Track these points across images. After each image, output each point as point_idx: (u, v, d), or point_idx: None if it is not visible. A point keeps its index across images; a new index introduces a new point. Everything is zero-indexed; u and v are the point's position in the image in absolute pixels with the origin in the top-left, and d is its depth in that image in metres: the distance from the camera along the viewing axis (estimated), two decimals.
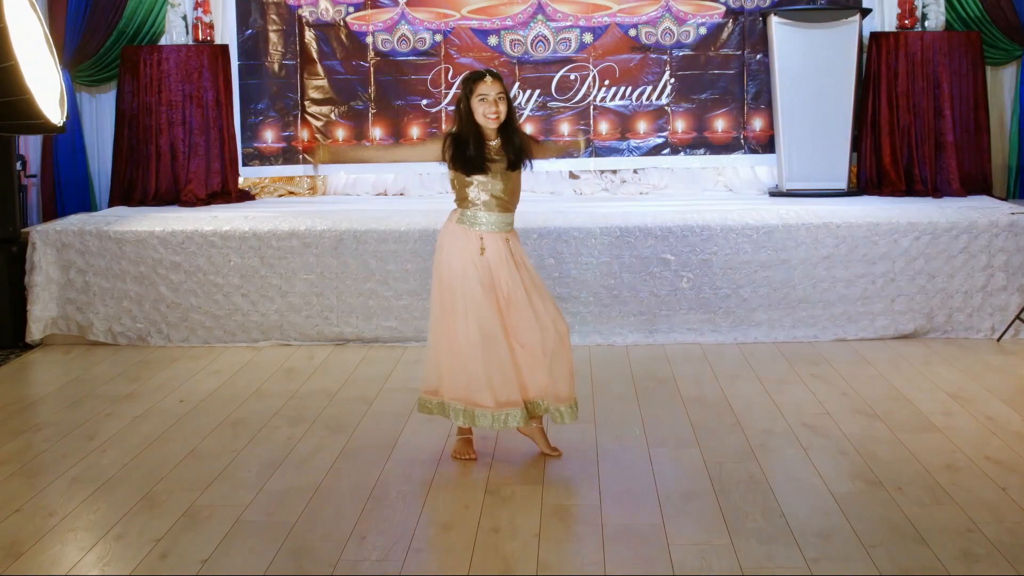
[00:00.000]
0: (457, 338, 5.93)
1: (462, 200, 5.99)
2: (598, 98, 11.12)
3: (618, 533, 5.12)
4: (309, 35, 11.24)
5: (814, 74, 10.34)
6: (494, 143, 5.93)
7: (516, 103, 11.16)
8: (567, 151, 7.19)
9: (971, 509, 5.29)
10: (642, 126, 11.19)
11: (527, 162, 6.03)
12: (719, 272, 8.84)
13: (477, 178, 5.88)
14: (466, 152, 5.85)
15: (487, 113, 5.84)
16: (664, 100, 11.18)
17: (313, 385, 7.81)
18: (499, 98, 5.86)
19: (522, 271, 5.98)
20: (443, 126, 11.20)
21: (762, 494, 5.57)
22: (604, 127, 11.10)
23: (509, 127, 5.97)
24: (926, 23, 10.53)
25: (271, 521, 5.33)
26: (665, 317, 8.86)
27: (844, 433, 6.49)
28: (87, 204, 10.76)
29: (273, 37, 11.25)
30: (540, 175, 10.94)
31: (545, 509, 5.41)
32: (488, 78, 5.87)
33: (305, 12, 11.23)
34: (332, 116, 11.31)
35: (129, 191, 10.54)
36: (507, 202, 5.97)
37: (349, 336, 8.97)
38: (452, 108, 11.02)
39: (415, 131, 11.25)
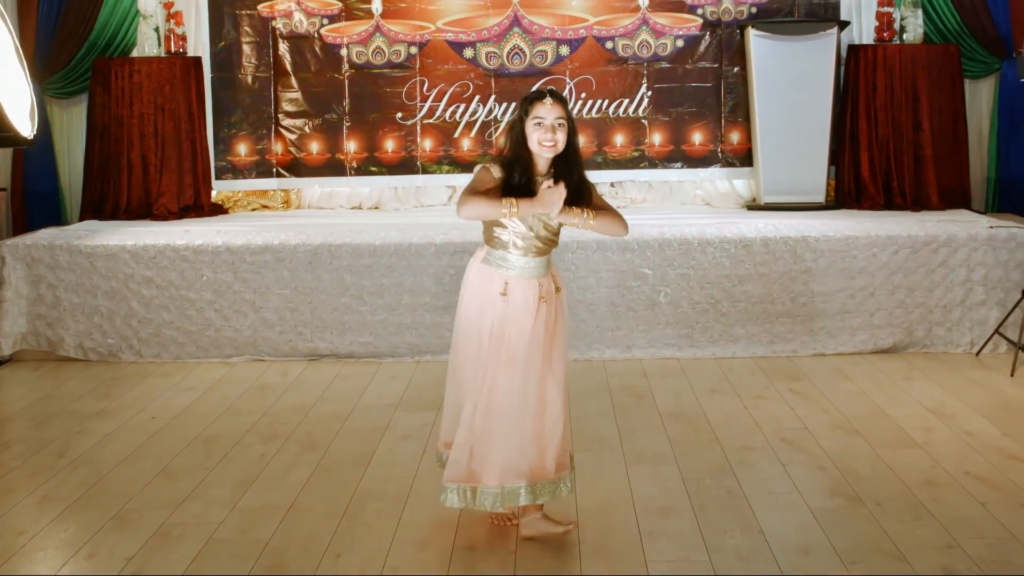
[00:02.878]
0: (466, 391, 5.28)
1: (489, 237, 5.24)
2: (575, 111, 11.11)
3: (595, 550, 5.12)
4: (283, 47, 11.24)
5: (792, 87, 10.38)
6: (543, 176, 5.13)
7: (491, 116, 11.17)
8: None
9: (951, 525, 5.31)
10: (619, 139, 11.22)
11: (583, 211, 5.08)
12: (697, 286, 8.85)
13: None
14: (511, 182, 5.05)
15: (543, 140, 5.05)
16: (641, 113, 11.20)
17: (287, 401, 7.79)
18: (558, 124, 5.06)
19: (548, 328, 5.22)
20: (418, 139, 11.21)
21: (740, 510, 5.58)
22: (581, 140, 11.04)
23: (567, 160, 5.15)
24: (904, 36, 10.58)
25: (244, 539, 5.31)
26: (643, 332, 8.87)
27: (823, 448, 6.50)
28: (57, 218, 10.73)
29: (246, 49, 11.24)
30: None
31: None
32: (548, 99, 5.07)
33: (279, 24, 11.22)
34: (306, 129, 11.30)
35: (100, 204, 10.50)
36: (547, 245, 5.22)
37: (323, 352, 8.96)
38: (428, 122, 11.05)
39: (390, 144, 11.25)
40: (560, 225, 5.19)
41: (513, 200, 4.96)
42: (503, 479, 5.15)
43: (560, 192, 4.89)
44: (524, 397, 5.15)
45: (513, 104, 11.08)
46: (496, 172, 5.07)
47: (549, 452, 5.22)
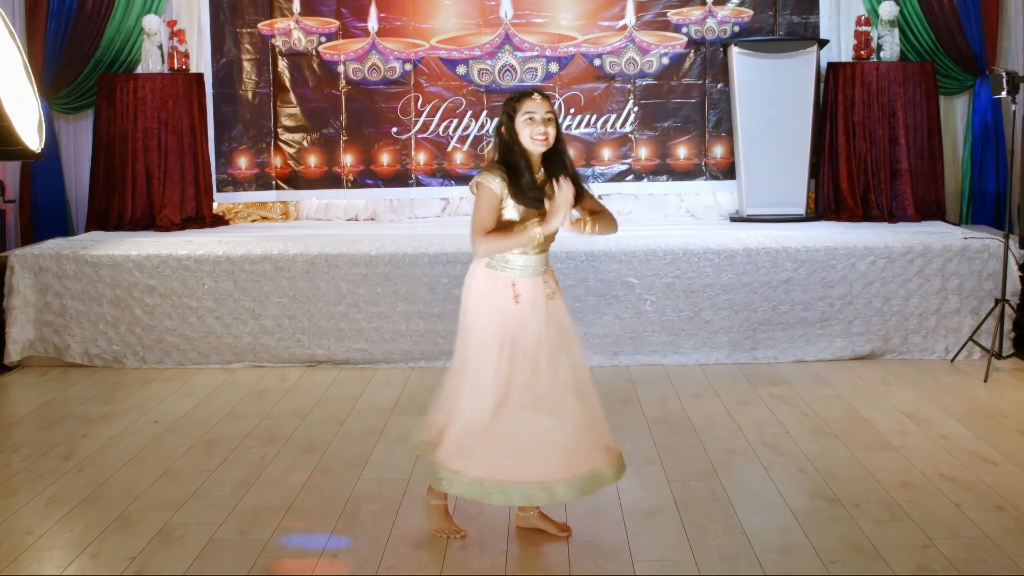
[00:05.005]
0: (463, 398, 5.11)
1: None
2: (564, 126, 11.11)
3: (583, 549, 5.12)
4: (282, 64, 11.24)
5: (773, 103, 10.39)
6: (539, 175, 5.12)
7: (483, 131, 11.18)
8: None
9: (927, 526, 5.32)
10: (607, 153, 11.23)
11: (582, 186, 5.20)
12: (681, 295, 8.85)
13: (519, 216, 5.03)
14: (519, 181, 5.00)
15: (535, 135, 5.01)
16: (628, 128, 11.22)
17: (285, 406, 7.79)
18: (547, 118, 5.06)
19: (555, 322, 5.14)
20: (413, 153, 11.22)
21: (724, 511, 5.58)
22: (570, 154, 11.06)
23: (555, 155, 5.15)
24: (881, 54, 10.59)
25: (244, 539, 5.31)
26: (629, 339, 8.87)
27: (803, 452, 6.51)
28: (64, 228, 10.71)
29: (247, 66, 11.24)
30: None
31: (512, 527, 5.40)
32: (536, 96, 5.09)
33: (278, 42, 11.23)
34: (304, 143, 11.30)
35: (105, 216, 10.48)
36: (547, 242, 5.15)
37: (321, 358, 8.95)
38: (422, 136, 11.04)
39: (385, 158, 11.25)
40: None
41: (535, 228, 4.94)
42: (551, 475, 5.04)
43: (568, 190, 4.87)
44: (537, 395, 5.04)
45: None
46: (496, 185, 4.99)
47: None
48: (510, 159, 5.06)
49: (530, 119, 5.03)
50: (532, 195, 5.00)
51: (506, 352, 5.02)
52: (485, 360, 5.04)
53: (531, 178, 5.04)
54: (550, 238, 5.13)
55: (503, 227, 5.01)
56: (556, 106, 11.08)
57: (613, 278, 8.84)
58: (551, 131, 5.06)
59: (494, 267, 5.10)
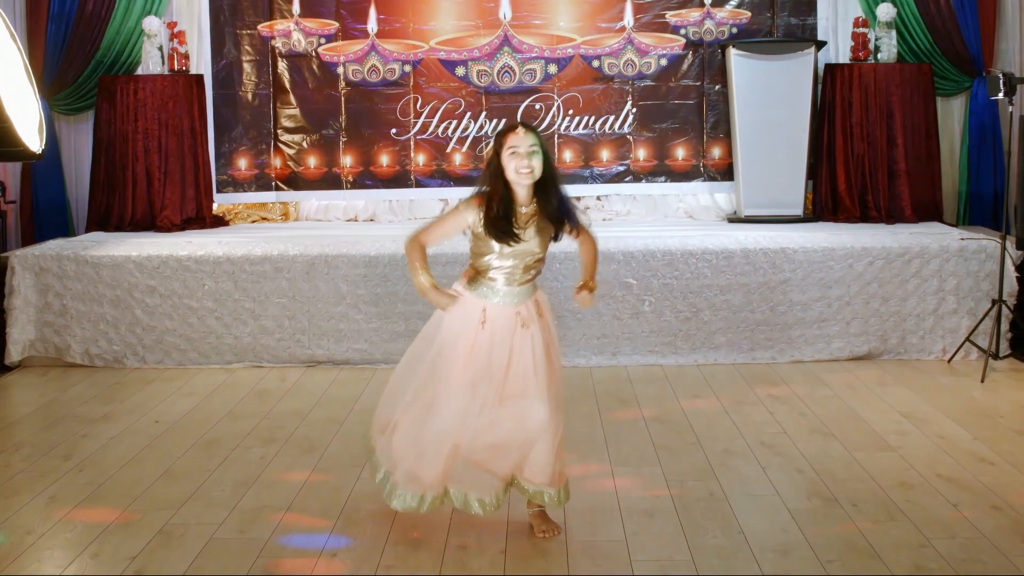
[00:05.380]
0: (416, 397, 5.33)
1: (476, 261, 5.24)
2: (562, 127, 11.14)
3: (582, 549, 5.12)
4: (282, 65, 11.24)
5: (771, 104, 10.40)
6: (527, 208, 5.12)
7: (481, 132, 11.17)
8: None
9: (924, 525, 5.32)
10: (605, 154, 11.23)
11: (565, 234, 5.24)
12: (680, 296, 8.85)
13: (499, 247, 5.10)
14: (490, 214, 5.05)
15: (519, 168, 4.99)
16: (626, 129, 11.22)
17: (285, 406, 7.78)
18: (531, 151, 5.01)
19: (526, 349, 5.18)
20: (412, 154, 11.22)
21: (722, 511, 5.58)
22: (568, 155, 11.11)
23: (546, 187, 5.11)
24: (879, 55, 10.59)
25: (244, 539, 5.30)
26: (627, 339, 8.87)
27: (801, 452, 6.51)
28: (65, 229, 10.71)
29: (247, 67, 11.24)
30: None
31: (511, 527, 5.40)
32: (520, 129, 5.05)
33: (278, 43, 11.23)
34: (304, 144, 11.30)
35: (106, 217, 10.48)
36: (532, 275, 5.24)
37: (320, 358, 8.94)
38: (421, 137, 11.04)
39: (384, 159, 11.25)
40: (545, 252, 5.22)
41: (425, 286, 5.22)
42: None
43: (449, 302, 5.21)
44: (472, 419, 5.15)
45: (504, 120, 11.08)
46: (471, 215, 5.11)
47: (529, 466, 5.24)
48: (491, 193, 5.09)
49: (514, 153, 5.04)
50: (500, 231, 5.04)
51: (468, 372, 5.13)
52: (453, 377, 5.18)
53: (506, 212, 5.06)
54: (533, 269, 5.22)
55: (479, 262, 5.22)
56: (554, 108, 11.10)
57: (611, 279, 8.83)
58: (536, 164, 5.04)
59: (473, 289, 5.22)
